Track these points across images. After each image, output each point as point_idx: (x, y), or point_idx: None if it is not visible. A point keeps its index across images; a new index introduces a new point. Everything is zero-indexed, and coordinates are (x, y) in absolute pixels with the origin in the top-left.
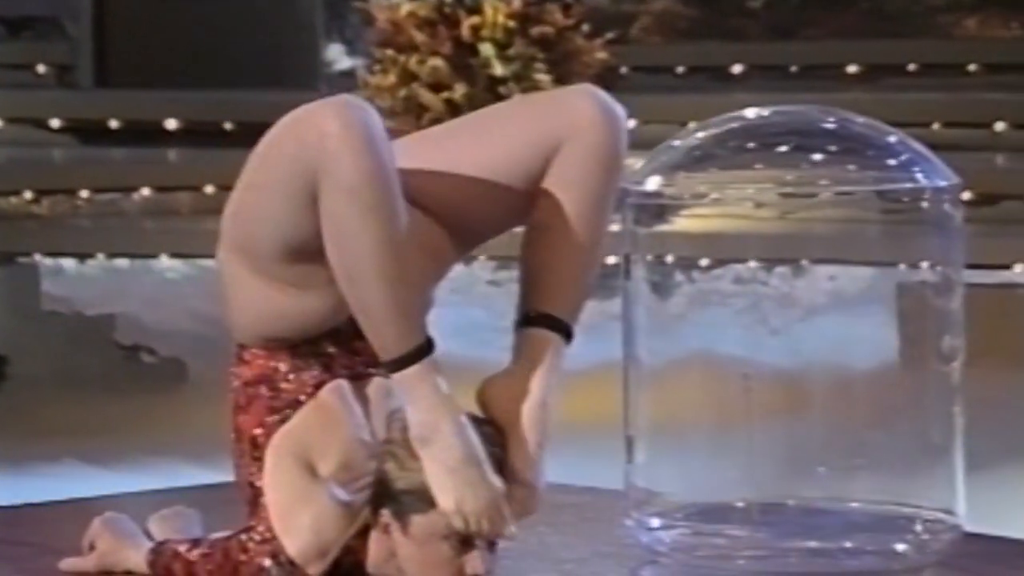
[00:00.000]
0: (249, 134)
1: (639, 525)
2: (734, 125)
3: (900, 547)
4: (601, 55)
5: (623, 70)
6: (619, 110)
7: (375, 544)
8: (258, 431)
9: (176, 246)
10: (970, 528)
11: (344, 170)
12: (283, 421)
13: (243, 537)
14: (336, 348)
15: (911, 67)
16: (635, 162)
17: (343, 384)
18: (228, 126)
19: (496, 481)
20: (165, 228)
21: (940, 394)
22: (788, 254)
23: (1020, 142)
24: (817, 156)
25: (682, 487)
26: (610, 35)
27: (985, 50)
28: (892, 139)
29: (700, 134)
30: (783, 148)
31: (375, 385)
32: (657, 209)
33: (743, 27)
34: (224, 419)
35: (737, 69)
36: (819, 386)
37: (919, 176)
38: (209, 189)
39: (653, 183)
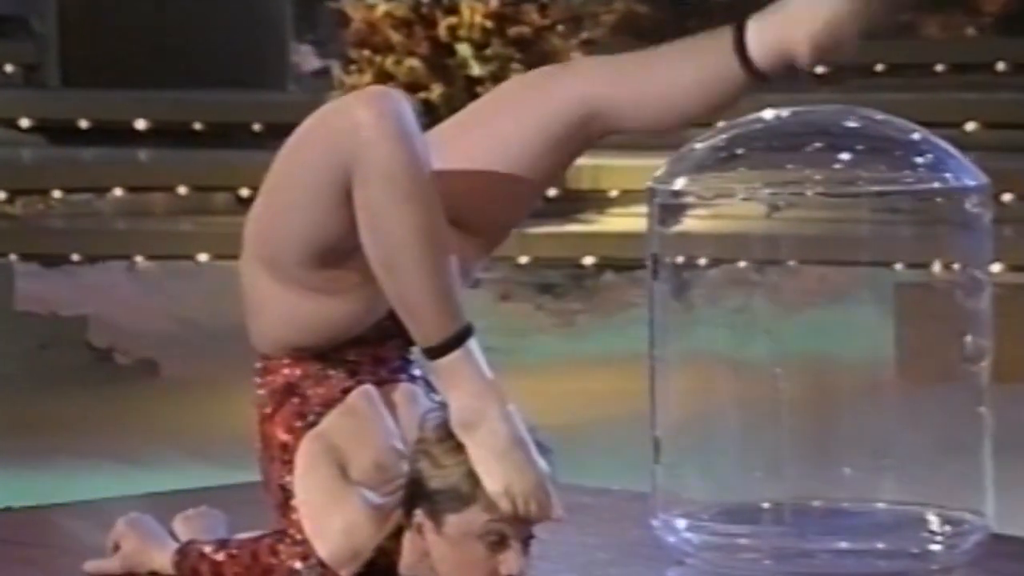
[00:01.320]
0: (219, 134)
1: (666, 526)
2: (757, 126)
3: (932, 547)
4: (577, 54)
5: None
6: None
7: (409, 545)
8: (287, 437)
9: (150, 247)
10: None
11: (380, 158)
12: (312, 426)
13: (273, 539)
14: (360, 356)
15: (879, 67)
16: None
17: (370, 389)
18: (198, 126)
19: (542, 463)
20: (139, 229)
21: (967, 394)
22: (816, 255)
23: (991, 142)
24: (845, 155)
25: (708, 487)
26: (585, 35)
27: (951, 50)
28: (916, 136)
29: (724, 135)
30: (810, 148)
31: (401, 391)
32: (683, 209)
33: (703, 27)
34: (199, 417)
35: None
36: (846, 385)
37: (948, 176)
38: (182, 190)
39: (679, 183)
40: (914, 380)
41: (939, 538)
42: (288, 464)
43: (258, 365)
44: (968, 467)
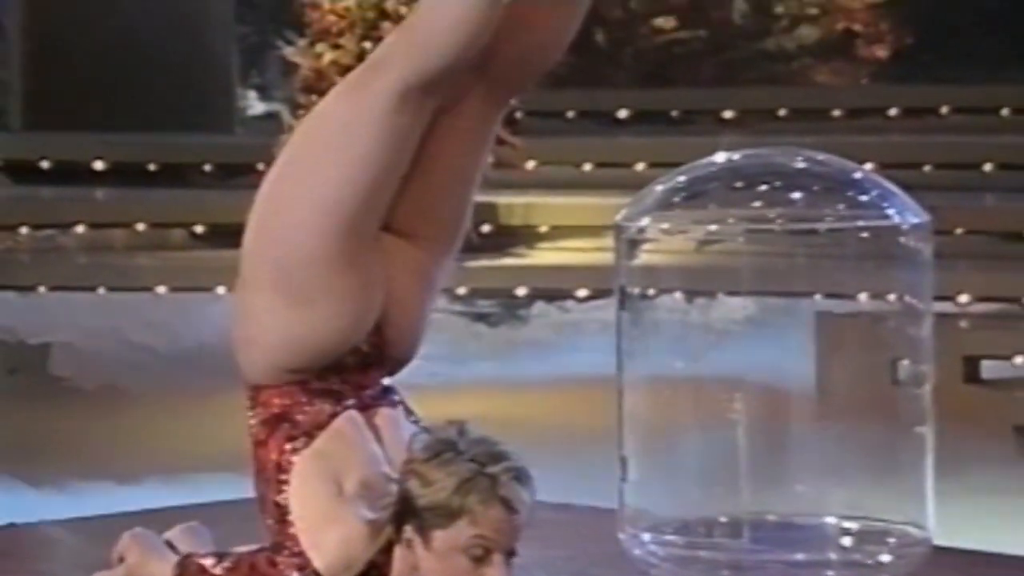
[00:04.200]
0: (172, 174)
1: (632, 539)
2: (713, 168)
3: (882, 559)
4: None
5: (518, 115)
6: None
7: (399, 559)
8: (281, 458)
9: (111, 280)
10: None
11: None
12: (304, 446)
13: (271, 552)
14: (343, 384)
15: (782, 112)
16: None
17: (355, 414)
18: (152, 167)
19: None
20: (100, 263)
21: (910, 415)
22: (765, 286)
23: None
24: (798, 194)
25: (671, 503)
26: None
27: (846, 96)
28: (859, 175)
29: (682, 177)
30: (764, 187)
31: (383, 415)
32: (646, 244)
33: (614, 75)
34: (157, 435)
35: (623, 114)
36: (796, 407)
37: (891, 212)
38: (140, 226)
39: (642, 221)
40: (859, 402)
41: (886, 550)
42: (283, 483)
43: (248, 396)
44: (910, 484)
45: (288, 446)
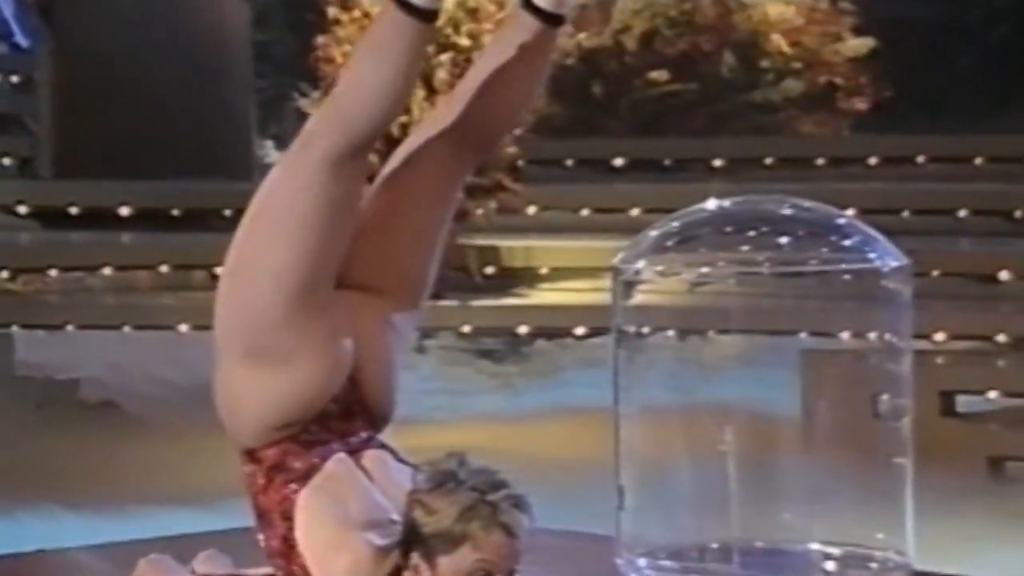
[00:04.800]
0: (194, 219)
1: (629, 564)
2: (704, 214)
3: None
4: (512, 149)
5: (520, 163)
6: None
7: None
8: (283, 498)
9: (136, 319)
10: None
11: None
12: (302, 486)
13: None
14: (328, 433)
15: (768, 160)
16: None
17: (343, 456)
18: (175, 212)
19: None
20: (126, 302)
21: (890, 446)
22: (753, 325)
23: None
24: (785, 239)
25: (665, 530)
26: (518, 131)
27: (829, 146)
28: (843, 221)
29: (675, 222)
30: (752, 232)
31: (370, 456)
32: (641, 285)
33: (610, 125)
34: (179, 463)
35: (619, 162)
36: (785, 438)
37: (872, 256)
38: (163, 268)
39: (638, 264)
40: (841, 434)
41: (869, 575)
42: (288, 520)
43: (242, 456)
44: (891, 511)
45: (287, 488)
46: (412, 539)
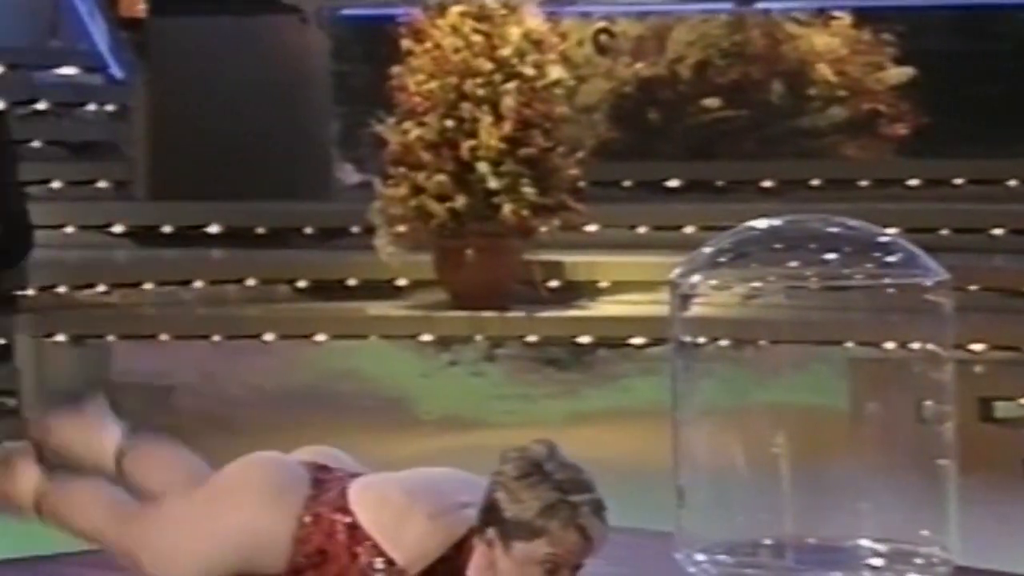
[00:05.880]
0: (278, 236)
1: (687, 559)
2: (755, 232)
3: None
4: (574, 171)
5: (581, 184)
6: None
7: (480, 554)
8: (335, 505)
9: (226, 329)
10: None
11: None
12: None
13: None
14: None
15: (815, 182)
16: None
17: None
18: (261, 230)
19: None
20: (215, 314)
21: (933, 449)
22: (808, 336)
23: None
24: (831, 255)
25: (723, 527)
26: (580, 154)
27: (872, 169)
28: (886, 239)
29: (729, 239)
30: (801, 249)
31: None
32: (697, 298)
33: (665, 149)
34: None
35: (674, 183)
36: (834, 442)
37: (914, 271)
38: (251, 282)
39: (694, 278)
40: (888, 438)
41: (914, 570)
42: (347, 513)
43: None
44: (934, 510)
45: (336, 494)
46: (492, 516)
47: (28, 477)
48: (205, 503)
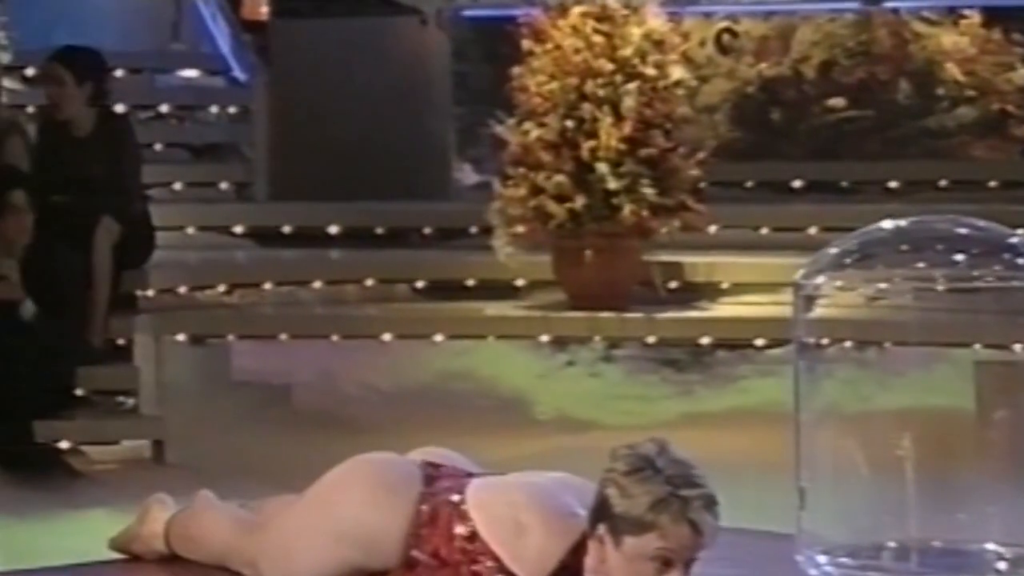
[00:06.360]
0: (396, 236)
1: (809, 561)
2: (882, 234)
3: None
4: (695, 172)
5: (702, 185)
6: None
7: (592, 551)
8: (452, 507)
9: (344, 328)
10: None
11: None
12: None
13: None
14: None
15: (942, 183)
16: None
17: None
18: (379, 230)
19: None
20: (335, 314)
21: None
22: (933, 338)
23: None
24: (958, 257)
25: (845, 529)
26: (701, 155)
27: (1000, 170)
28: (1014, 240)
29: (854, 241)
30: (928, 250)
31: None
32: (821, 300)
33: (789, 149)
34: None
35: (797, 184)
36: (959, 444)
37: None
38: (369, 282)
39: (818, 279)
40: (1014, 440)
41: None
42: (467, 520)
43: None
44: None
45: (453, 497)
46: (603, 513)
47: (158, 518)
48: (317, 502)
